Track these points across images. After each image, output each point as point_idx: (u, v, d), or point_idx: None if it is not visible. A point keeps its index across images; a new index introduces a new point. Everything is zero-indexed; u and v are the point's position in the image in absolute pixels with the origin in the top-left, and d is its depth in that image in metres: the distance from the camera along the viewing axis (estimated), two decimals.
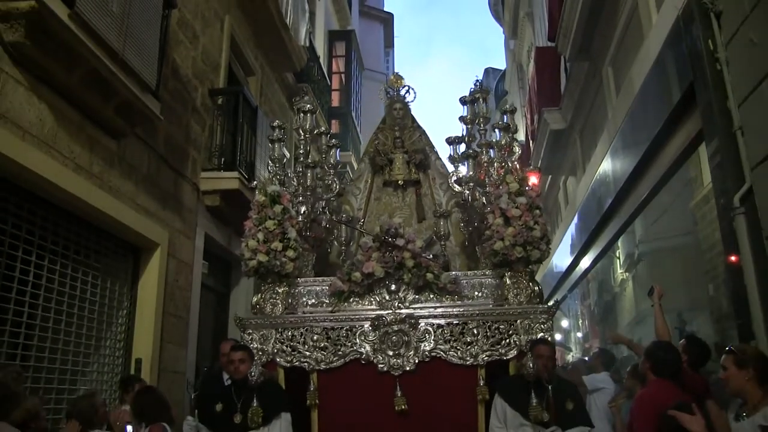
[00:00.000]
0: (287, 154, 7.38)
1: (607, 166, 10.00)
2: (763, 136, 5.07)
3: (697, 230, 7.52)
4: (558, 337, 19.62)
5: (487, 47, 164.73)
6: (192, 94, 9.23)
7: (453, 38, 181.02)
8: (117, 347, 7.47)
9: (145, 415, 5.28)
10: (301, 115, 7.53)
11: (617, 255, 11.44)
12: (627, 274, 11.19)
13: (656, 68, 7.23)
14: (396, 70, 39.58)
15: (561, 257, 15.58)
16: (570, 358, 16.49)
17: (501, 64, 33.07)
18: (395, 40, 37.28)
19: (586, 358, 10.97)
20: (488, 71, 42.72)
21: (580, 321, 16.60)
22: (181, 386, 8.22)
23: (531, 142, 16.89)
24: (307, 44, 14.94)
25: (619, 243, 10.87)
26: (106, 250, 7.30)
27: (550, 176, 17.23)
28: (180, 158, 8.76)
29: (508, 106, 7.47)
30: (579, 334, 16.97)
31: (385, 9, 36.65)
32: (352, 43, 21.59)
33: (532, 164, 17.02)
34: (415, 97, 8.10)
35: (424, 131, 8.11)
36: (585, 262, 13.25)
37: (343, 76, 21.26)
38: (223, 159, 9.70)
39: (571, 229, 13.93)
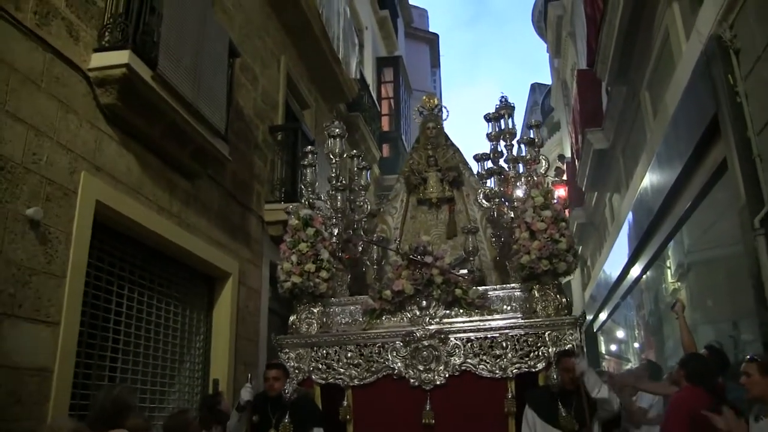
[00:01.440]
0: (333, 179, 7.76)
1: (647, 184, 10.44)
2: None
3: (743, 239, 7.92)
4: (613, 347, 19.88)
5: (533, 61, 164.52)
6: (254, 132, 9.96)
7: (499, 52, 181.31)
8: (196, 369, 8.16)
9: None
10: (331, 140, 7.80)
11: (668, 265, 11.57)
12: (678, 283, 11.24)
13: (686, 97, 7.72)
14: (443, 90, 40.21)
15: (611, 268, 15.88)
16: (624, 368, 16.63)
17: (547, 78, 33.27)
18: (441, 58, 37.93)
19: (633, 369, 11.29)
20: (534, 87, 42.96)
21: (636, 331, 16.46)
22: None
23: (576, 160, 17.33)
24: (358, 76, 15.64)
25: (670, 253, 11.08)
26: (184, 281, 8.01)
27: (596, 193, 17.62)
28: (246, 193, 9.49)
29: (533, 120, 7.75)
30: (636, 345, 16.93)
31: (431, 27, 37.42)
32: (399, 68, 22.18)
33: (578, 180, 17.48)
34: (447, 116, 8.33)
35: (457, 149, 8.28)
36: (634, 273, 13.50)
37: (392, 101, 21.81)
38: (284, 190, 10.41)
39: (619, 241, 14.26)
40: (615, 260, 14.84)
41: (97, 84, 6.07)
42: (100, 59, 6.08)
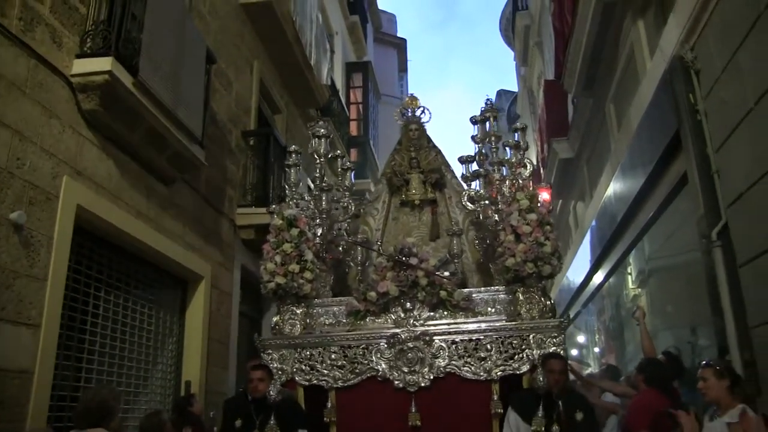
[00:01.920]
0: (309, 182, 7.86)
1: (611, 193, 10.72)
2: (735, 179, 5.86)
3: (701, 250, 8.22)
4: (574, 352, 20.18)
5: (501, 66, 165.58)
6: (227, 137, 10.10)
7: (468, 57, 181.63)
8: (169, 371, 8.29)
9: None
10: (316, 139, 7.70)
11: (629, 271, 11.76)
12: (639, 289, 11.46)
13: (649, 112, 7.99)
14: (410, 93, 40.59)
15: (574, 274, 16.17)
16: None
17: (514, 84, 33.65)
18: (409, 63, 38.19)
19: (594, 373, 11.60)
20: (501, 93, 43.28)
21: (597, 336, 16.66)
22: None
23: (542, 168, 17.64)
24: (329, 82, 15.82)
25: (631, 260, 11.29)
26: (159, 283, 8.15)
27: (561, 200, 17.95)
28: (219, 197, 9.63)
29: (518, 123, 7.60)
30: (596, 350, 17.20)
31: (400, 31, 37.63)
32: (368, 74, 22.38)
33: (544, 182, 17.79)
34: (430, 118, 8.24)
35: (439, 151, 8.28)
36: (597, 279, 13.76)
37: (360, 106, 22.03)
38: (255, 195, 10.55)
39: (582, 248, 14.54)
40: (578, 266, 15.10)
41: (80, 90, 6.20)
42: (82, 65, 6.21)
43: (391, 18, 39.19)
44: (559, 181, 16.21)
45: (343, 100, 19.68)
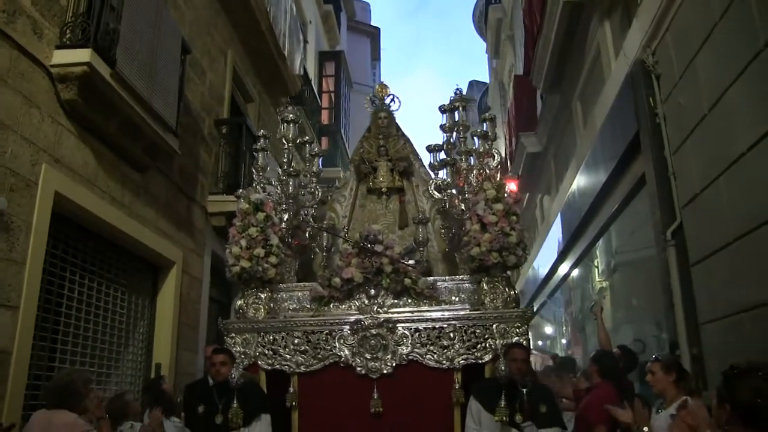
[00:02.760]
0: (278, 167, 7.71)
1: (575, 188, 11.03)
2: (690, 181, 6.15)
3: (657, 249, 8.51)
4: (540, 343, 20.51)
5: (473, 55, 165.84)
6: (200, 126, 10.25)
7: (440, 45, 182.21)
8: (140, 353, 8.46)
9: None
10: (285, 124, 7.64)
11: (596, 264, 12.01)
12: (605, 283, 11.66)
13: (612, 113, 8.29)
14: (380, 81, 40.75)
15: (540, 265, 16.46)
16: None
17: (486, 73, 33.89)
18: (381, 51, 38.34)
19: (551, 365, 11.90)
20: (473, 84, 43.52)
21: (564, 328, 16.90)
22: None
23: (509, 162, 17.93)
24: (302, 72, 15.98)
25: (597, 253, 11.57)
26: (132, 268, 8.30)
27: (528, 193, 18.27)
28: (191, 185, 9.78)
29: (487, 114, 7.59)
30: (564, 341, 17.12)
31: (373, 18, 37.74)
32: (341, 63, 22.55)
33: (512, 173, 18.08)
34: (399, 106, 8.20)
35: (408, 139, 8.23)
36: (562, 270, 14.04)
37: (332, 94, 22.16)
38: (227, 183, 10.71)
39: (548, 241, 14.86)
40: (544, 258, 15.43)
41: (59, 80, 6.33)
42: (62, 56, 6.35)
43: (365, 6, 39.37)
44: (527, 174, 16.53)
45: (315, 89, 19.80)
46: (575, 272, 13.36)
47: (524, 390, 5.54)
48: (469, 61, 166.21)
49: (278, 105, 14.81)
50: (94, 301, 7.36)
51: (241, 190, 7.26)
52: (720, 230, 5.49)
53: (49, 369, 6.46)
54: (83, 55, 6.35)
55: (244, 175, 10.71)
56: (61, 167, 6.40)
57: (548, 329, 19.11)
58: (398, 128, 8.28)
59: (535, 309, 18.30)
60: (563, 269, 13.73)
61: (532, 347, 19.65)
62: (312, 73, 19.87)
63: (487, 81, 34.06)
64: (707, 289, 5.93)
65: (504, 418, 5.41)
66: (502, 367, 5.62)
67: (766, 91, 4.64)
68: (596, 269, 11.91)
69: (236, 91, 12.45)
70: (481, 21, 30.51)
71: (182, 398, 6.83)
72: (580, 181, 10.59)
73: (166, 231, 8.78)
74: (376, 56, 37.14)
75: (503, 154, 20.62)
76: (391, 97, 8.24)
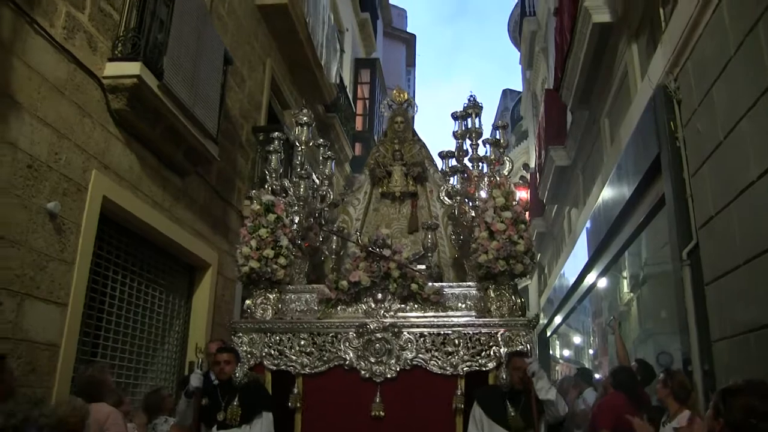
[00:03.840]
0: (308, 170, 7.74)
1: (601, 203, 11.26)
2: (706, 204, 6.40)
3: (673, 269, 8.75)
4: (567, 353, 20.67)
5: (509, 63, 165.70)
6: (239, 132, 10.65)
7: (477, 51, 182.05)
8: (174, 350, 8.86)
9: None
10: (298, 127, 7.78)
11: (624, 275, 12.19)
12: (632, 294, 11.94)
13: (636, 133, 8.53)
14: (417, 88, 40.97)
15: (567, 276, 16.62)
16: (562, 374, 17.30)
17: (520, 80, 34.09)
18: (417, 57, 38.69)
19: (572, 375, 12.14)
20: (506, 92, 43.69)
21: (592, 338, 17.01)
22: None
23: (538, 174, 18.16)
24: (337, 81, 16.35)
25: (626, 264, 11.72)
26: (169, 269, 8.72)
27: (556, 205, 18.49)
28: (228, 189, 10.19)
29: (499, 121, 7.65)
30: (591, 351, 17.34)
31: (410, 24, 38.10)
32: (376, 70, 22.80)
33: (540, 192, 18.32)
34: (416, 111, 8.37)
35: (424, 144, 8.27)
36: (587, 282, 14.18)
37: (367, 101, 22.41)
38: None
39: (575, 252, 15.07)
40: (570, 269, 15.60)
41: (110, 90, 6.77)
42: (114, 68, 6.79)
43: (402, 13, 39.71)
44: (555, 186, 16.77)
45: (350, 95, 20.11)
46: (603, 283, 13.50)
47: (530, 396, 5.54)
48: (505, 68, 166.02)
49: (314, 112, 15.17)
50: (134, 300, 7.78)
51: (253, 192, 7.41)
52: (731, 253, 5.73)
53: (93, 363, 6.84)
54: (133, 68, 6.77)
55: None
56: (108, 172, 6.82)
57: (576, 339, 19.23)
58: (414, 133, 8.37)
59: (561, 318, 18.53)
60: (590, 279, 13.92)
61: (559, 357, 19.79)
62: (347, 79, 20.19)
63: (521, 89, 34.26)
64: (719, 309, 6.16)
65: (519, 424, 5.49)
66: (503, 376, 5.75)
67: None
68: (624, 281, 12.09)
69: (273, 98, 12.83)
70: (516, 31, 30.58)
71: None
72: (605, 196, 10.82)
73: (202, 233, 9.17)
74: (411, 62, 37.45)
75: (533, 165, 20.95)
76: (408, 101, 8.35)
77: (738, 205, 5.60)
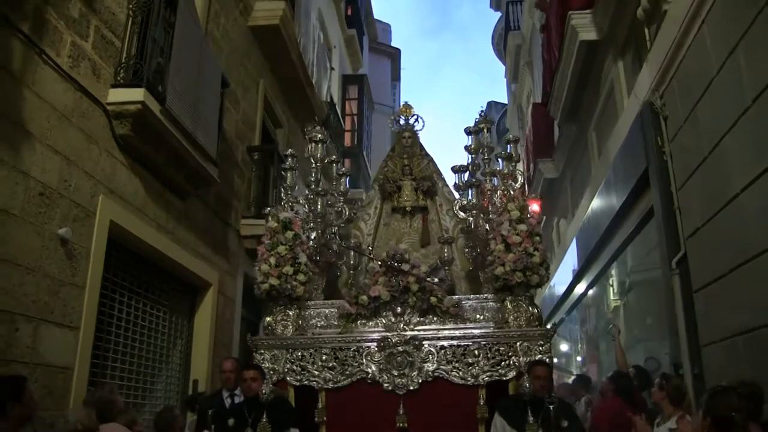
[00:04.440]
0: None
1: (590, 215, 11.53)
2: (693, 216, 6.66)
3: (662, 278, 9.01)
4: (555, 360, 20.82)
5: (493, 75, 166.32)
6: (235, 153, 10.84)
7: (461, 64, 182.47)
8: (178, 369, 9.02)
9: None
10: (312, 144, 7.85)
11: (611, 283, 12.32)
12: (619, 301, 12.06)
13: (624, 148, 8.79)
14: (402, 102, 41.30)
15: (556, 285, 16.84)
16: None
17: (505, 94, 34.31)
18: (402, 72, 38.96)
19: (570, 382, 12.37)
20: (491, 104, 43.91)
21: (580, 345, 17.24)
22: None
23: (528, 186, 18.41)
24: (328, 99, 16.58)
25: (613, 273, 11.93)
26: (172, 290, 8.88)
27: (544, 216, 18.72)
28: (226, 209, 10.39)
29: (511, 136, 7.84)
30: (579, 358, 17.55)
31: (394, 38, 38.40)
32: (364, 86, 23.07)
33: (533, 193, 18.58)
34: (423, 126, 8.37)
35: (431, 159, 8.37)
36: (578, 291, 14.53)
37: (355, 117, 22.69)
38: (258, 207, 11.26)
39: (564, 262, 15.31)
40: (560, 278, 15.86)
41: (114, 117, 6.95)
42: (117, 95, 6.96)
43: (386, 27, 39.99)
44: (544, 198, 17.00)
45: (339, 111, 20.34)
46: (591, 292, 13.75)
47: (551, 406, 5.61)
48: (489, 81, 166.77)
49: (305, 129, 15.34)
50: (140, 321, 7.95)
51: (269, 209, 7.44)
52: (718, 262, 6.01)
53: (102, 384, 6.99)
54: (137, 94, 6.95)
55: (272, 199, 11.23)
56: (115, 197, 7.00)
57: (564, 347, 19.41)
58: (422, 148, 8.45)
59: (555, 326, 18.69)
60: (579, 289, 14.18)
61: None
62: (335, 96, 20.42)
63: (506, 101, 34.50)
64: (707, 315, 6.44)
65: None
66: (527, 384, 5.73)
67: (754, 141, 5.18)
68: (611, 288, 12.32)
69: (266, 117, 13.03)
70: (500, 45, 30.84)
71: (211, 412, 6.86)
72: (594, 208, 11.07)
73: (204, 254, 9.35)
74: (396, 76, 37.70)
75: (520, 178, 21.17)
76: (415, 117, 8.44)
77: (723, 217, 5.87)
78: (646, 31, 8.10)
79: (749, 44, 5.23)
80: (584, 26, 10.22)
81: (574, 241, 13.43)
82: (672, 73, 7.01)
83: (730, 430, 3.53)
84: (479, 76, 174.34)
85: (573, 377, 11.66)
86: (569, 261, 14.34)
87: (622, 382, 7.16)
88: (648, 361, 8.94)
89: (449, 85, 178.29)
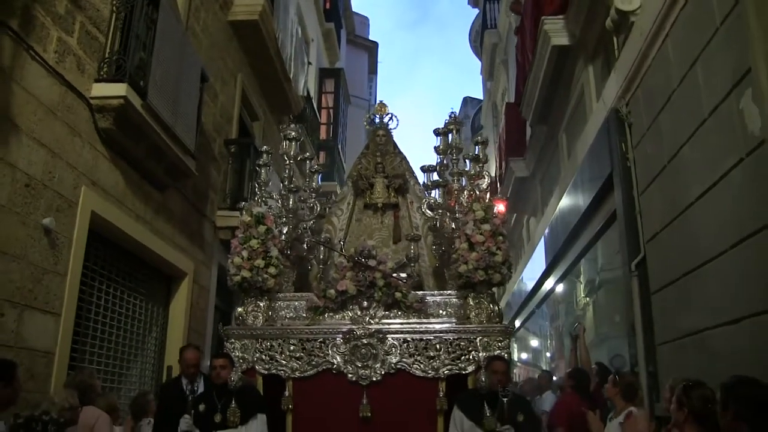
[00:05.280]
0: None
1: (558, 214, 11.83)
2: (653, 221, 6.97)
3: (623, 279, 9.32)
4: (525, 356, 21.20)
5: (470, 69, 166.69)
6: (212, 145, 11.03)
7: (438, 58, 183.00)
8: (152, 356, 9.24)
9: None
10: (286, 142, 7.99)
11: (580, 281, 12.68)
12: (588, 299, 12.43)
13: (591, 151, 9.07)
14: (379, 97, 41.44)
15: (526, 281, 17.12)
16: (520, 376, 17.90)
17: (480, 90, 34.57)
18: (378, 65, 39.16)
19: (536, 377, 12.73)
20: (467, 100, 44.34)
21: (549, 341, 17.45)
22: None
23: (499, 183, 18.72)
24: (305, 93, 16.78)
25: (582, 270, 12.24)
26: (149, 279, 9.09)
27: (515, 214, 19.05)
28: (203, 201, 10.59)
29: (480, 137, 8.07)
30: (548, 354, 17.78)
31: (372, 30, 38.56)
32: (340, 80, 23.28)
33: (500, 194, 18.87)
34: (397, 125, 8.54)
35: (404, 157, 8.54)
36: (546, 287, 14.79)
37: (331, 111, 22.89)
38: (233, 199, 11.46)
39: (533, 259, 15.60)
40: (529, 275, 16.14)
41: (97, 110, 7.15)
42: (100, 89, 7.16)
43: (364, 21, 40.11)
44: (515, 196, 17.30)
45: (315, 104, 20.54)
46: (560, 288, 14.07)
47: (505, 399, 5.70)
48: (466, 75, 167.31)
49: (281, 123, 15.59)
50: (117, 308, 8.15)
51: (243, 203, 7.62)
52: (673, 265, 6.33)
53: (81, 368, 7.20)
54: (120, 89, 7.16)
55: (247, 191, 11.46)
56: (96, 189, 7.20)
57: (534, 342, 19.71)
58: (395, 146, 8.62)
59: (520, 322, 19.10)
60: (548, 285, 14.48)
61: (517, 360, 20.33)
62: (312, 89, 20.59)
63: (481, 98, 34.78)
64: (662, 316, 6.76)
65: (494, 427, 5.66)
66: (482, 378, 5.93)
67: (709, 153, 5.49)
68: (581, 285, 12.62)
69: (243, 110, 13.22)
70: (477, 41, 31.02)
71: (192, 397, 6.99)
72: (562, 208, 11.36)
73: (180, 245, 9.56)
74: (373, 70, 37.92)
75: (494, 175, 21.50)
76: (390, 115, 8.59)
77: (679, 223, 6.18)
78: (615, 39, 8.38)
79: (707, 60, 5.52)
80: (556, 31, 10.49)
81: (543, 238, 13.73)
82: (637, 83, 7.29)
83: (708, 421, 3.86)
84: (457, 70, 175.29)
85: (539, 374, 11.98)
86: (538, 258, 14.64)
87: (580, 378, 7.49)
88: (615, 358, 9.22)
89: (427, 78, 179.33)
